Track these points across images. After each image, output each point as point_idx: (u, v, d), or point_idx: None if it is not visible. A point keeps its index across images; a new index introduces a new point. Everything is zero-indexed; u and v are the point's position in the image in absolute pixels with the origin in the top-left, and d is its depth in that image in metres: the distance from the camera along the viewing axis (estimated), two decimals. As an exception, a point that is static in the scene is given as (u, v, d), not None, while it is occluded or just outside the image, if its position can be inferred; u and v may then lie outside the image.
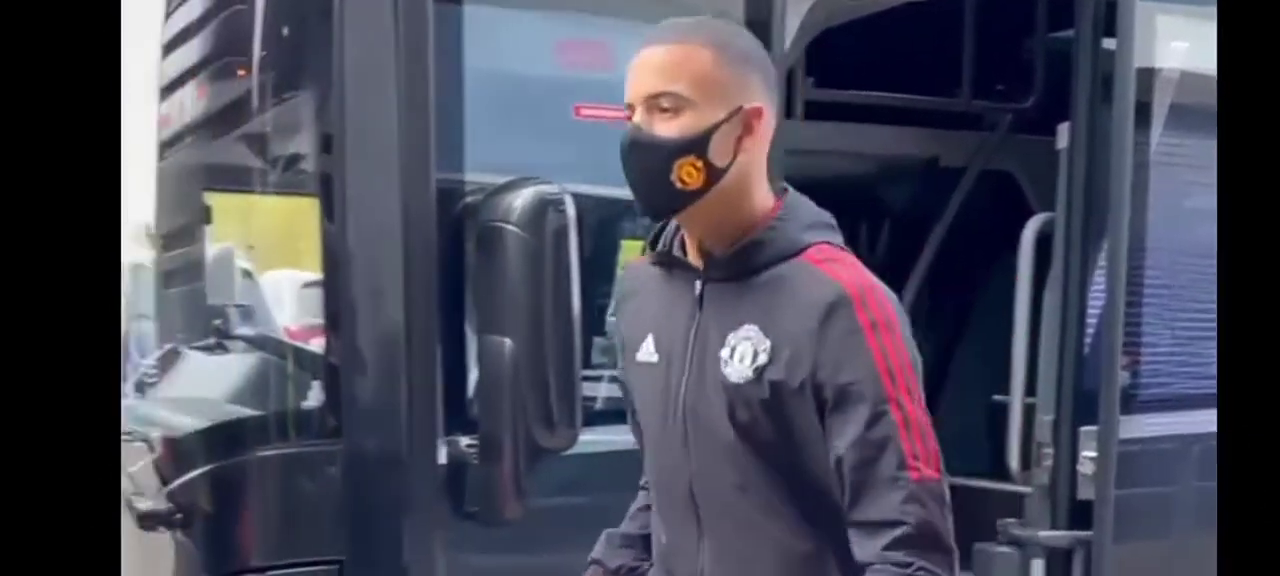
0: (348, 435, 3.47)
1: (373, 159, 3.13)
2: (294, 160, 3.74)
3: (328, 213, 3.41)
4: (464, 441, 3.44)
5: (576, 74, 3.47)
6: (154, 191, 4.38)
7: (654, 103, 2.13)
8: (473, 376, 3.49)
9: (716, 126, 2.13)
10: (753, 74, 2.19)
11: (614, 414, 3.68)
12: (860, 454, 2.06)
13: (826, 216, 2.25)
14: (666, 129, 2.13)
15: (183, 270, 4.43)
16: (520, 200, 3.09)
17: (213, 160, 4.27)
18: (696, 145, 2.13)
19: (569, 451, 3.16)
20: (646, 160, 2.14)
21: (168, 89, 4.25)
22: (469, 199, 3.24)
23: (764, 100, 2.18)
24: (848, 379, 2.06)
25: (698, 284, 2.20)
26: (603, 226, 3.90)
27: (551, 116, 3.42)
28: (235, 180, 4.21)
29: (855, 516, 2.07)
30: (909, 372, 2.07)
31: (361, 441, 3.49)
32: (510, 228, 3.09)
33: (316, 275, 3.73)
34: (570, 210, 3.07)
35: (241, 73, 3.67)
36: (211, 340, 4.33)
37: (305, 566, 3.52)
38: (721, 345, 2.14)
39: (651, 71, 2.14)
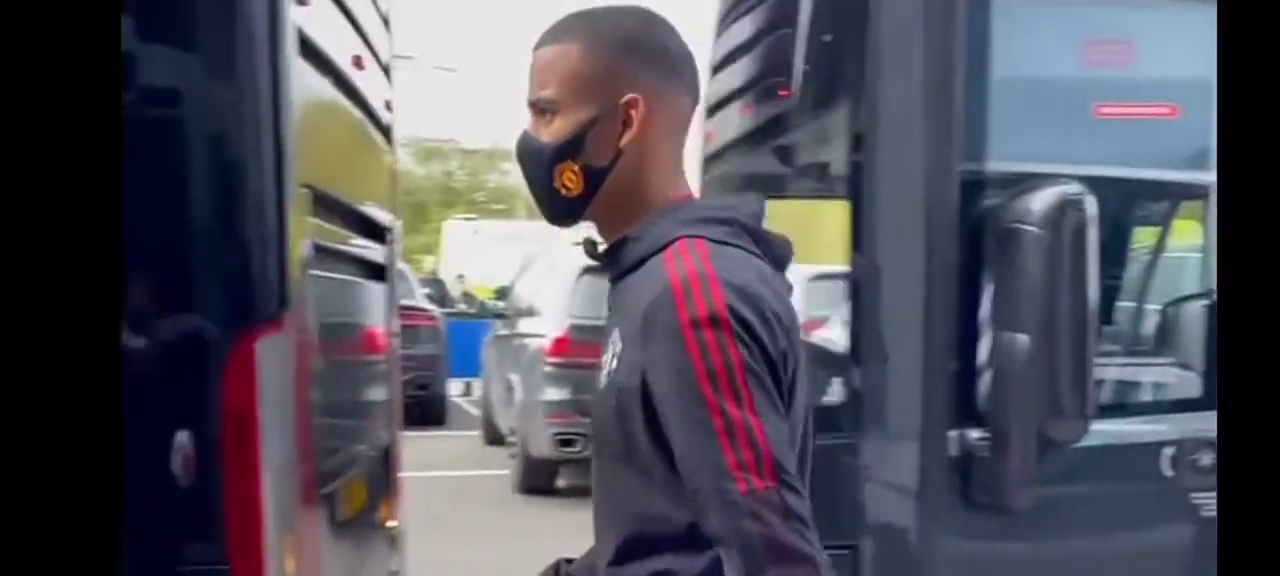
0: (865, 427, 3.63)
1: (900, 157, 3.29)
2: (821, 163, 3.96)
3: (854, 210, 3.59)
4: (974, 434, 3.53)
5: (1099, 72, 3.51)
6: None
7: (535, 108, 2.04)
8: (984, 370, 3.58)
9: (588, 126, 2.00)
10: (630, 63, 2.00)
11: (1122, 406, 3.69)
12: (686, 464, 1.86)
13: (722, 212, 2.03)
14: (545, 134, 2.02)
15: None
16: (1040, 201, 3.17)
17: (745, 171, 4.55)
18: (570, 148, 2.01)
19: (1078, 443, 3.22)
20: (531, 167, 2.06)
21: (714, 108, 4.57)
22: (990, 197, 3.34)
23: (646, 89, 2.00)
24: (668, 382, 1.86)
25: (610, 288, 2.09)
26: (1118, 217, 3.91)
27: (1073, 112, 3.47)
28: (762, 187, 4.48)
29: (706, 529, 1.87)
30: (738, 372, 1.83)
31: (877, 432, 3.64)
32: (1031, 229, 3.17)
33: (825, 268, 3.92)
34: (1089, 208, 3.12)
35: (782, 92, 3.91)
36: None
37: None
38: (607, 350, 2.01)
39: (533, 76, 2.04)
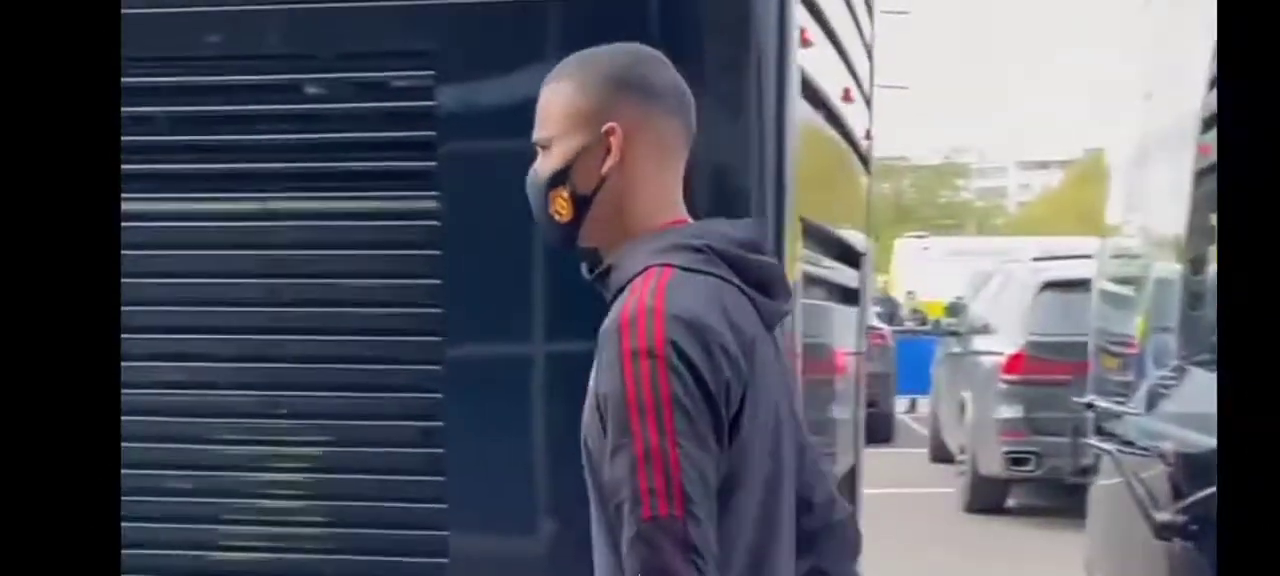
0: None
1: None
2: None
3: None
4: None
5: None
6: (1186, 216, 4.59)
7: (537, 146, 2.18)
8: None
9: (577, 155, 2.13)
10: (615, 94, 2.13)
11: None
12: (608, 486, 2.00)
13: (695, 239, 2.12)
14: (542, 166, 2.17)
15: (1199, 292, 4.57)
16: None
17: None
18: (560, 176, 2.14)
19: None
20: (533, 198, 2.20)
21: (1211, 122, 4.40)
22: None
23: (626, 118, 2.12)
24: (606, 408, 2.00)
25: None
26: None
27: None
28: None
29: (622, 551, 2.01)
30: (666, 405, 1.95)
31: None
32: None
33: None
34: None
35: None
36: (1209, 356, 4.44)
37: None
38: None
39: (535, 116, 2.19)
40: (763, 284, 2.15)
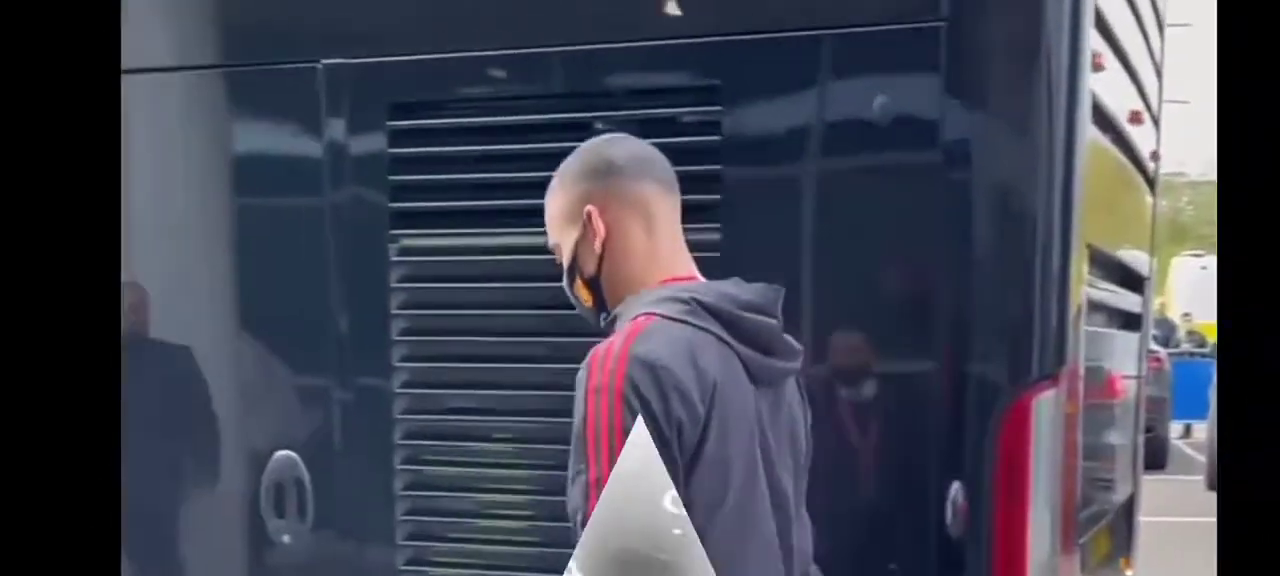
0: None
1: None
2: None
3: None
4: None
5: None
6: None
7: (555, 253, 2.45)
8: None
9: (576, 247, 2.39)
10: (582, 181, 2.39)
11: None
12: (568, 509, 2.19)
13: (684, 293, 2.30)
14: (563, 267, 2.43)
15: None
16: None
17: None
18: (572, 270, 2.42)
19: None
20: (570, 293, 2.45)
21: None
22: None
23: (596, 197, 2.37)
24: (574, 438, 2.19)
25: None
26: None
27: None
28: None
29: None
30: (618, 437, 2.09)
31: None
32: None
33: None
34: None
35: None
36: None
37: None
38: None
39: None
40: (759, 343, 2.34)
